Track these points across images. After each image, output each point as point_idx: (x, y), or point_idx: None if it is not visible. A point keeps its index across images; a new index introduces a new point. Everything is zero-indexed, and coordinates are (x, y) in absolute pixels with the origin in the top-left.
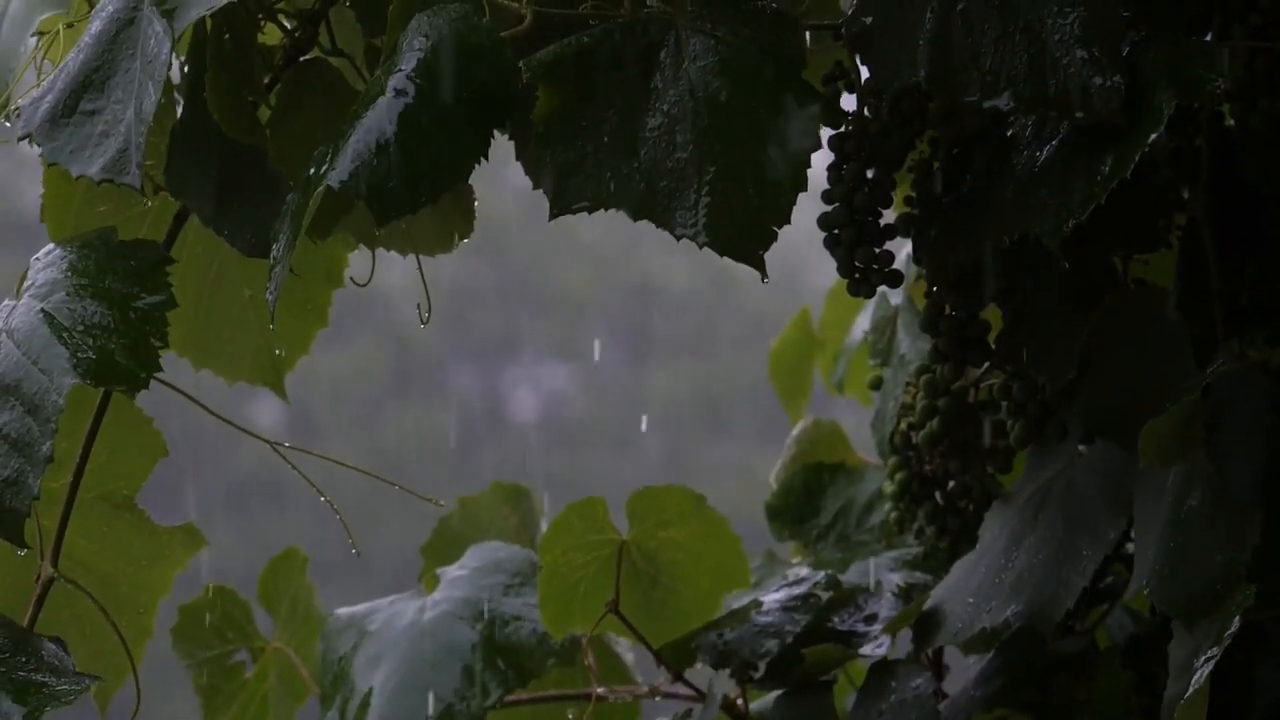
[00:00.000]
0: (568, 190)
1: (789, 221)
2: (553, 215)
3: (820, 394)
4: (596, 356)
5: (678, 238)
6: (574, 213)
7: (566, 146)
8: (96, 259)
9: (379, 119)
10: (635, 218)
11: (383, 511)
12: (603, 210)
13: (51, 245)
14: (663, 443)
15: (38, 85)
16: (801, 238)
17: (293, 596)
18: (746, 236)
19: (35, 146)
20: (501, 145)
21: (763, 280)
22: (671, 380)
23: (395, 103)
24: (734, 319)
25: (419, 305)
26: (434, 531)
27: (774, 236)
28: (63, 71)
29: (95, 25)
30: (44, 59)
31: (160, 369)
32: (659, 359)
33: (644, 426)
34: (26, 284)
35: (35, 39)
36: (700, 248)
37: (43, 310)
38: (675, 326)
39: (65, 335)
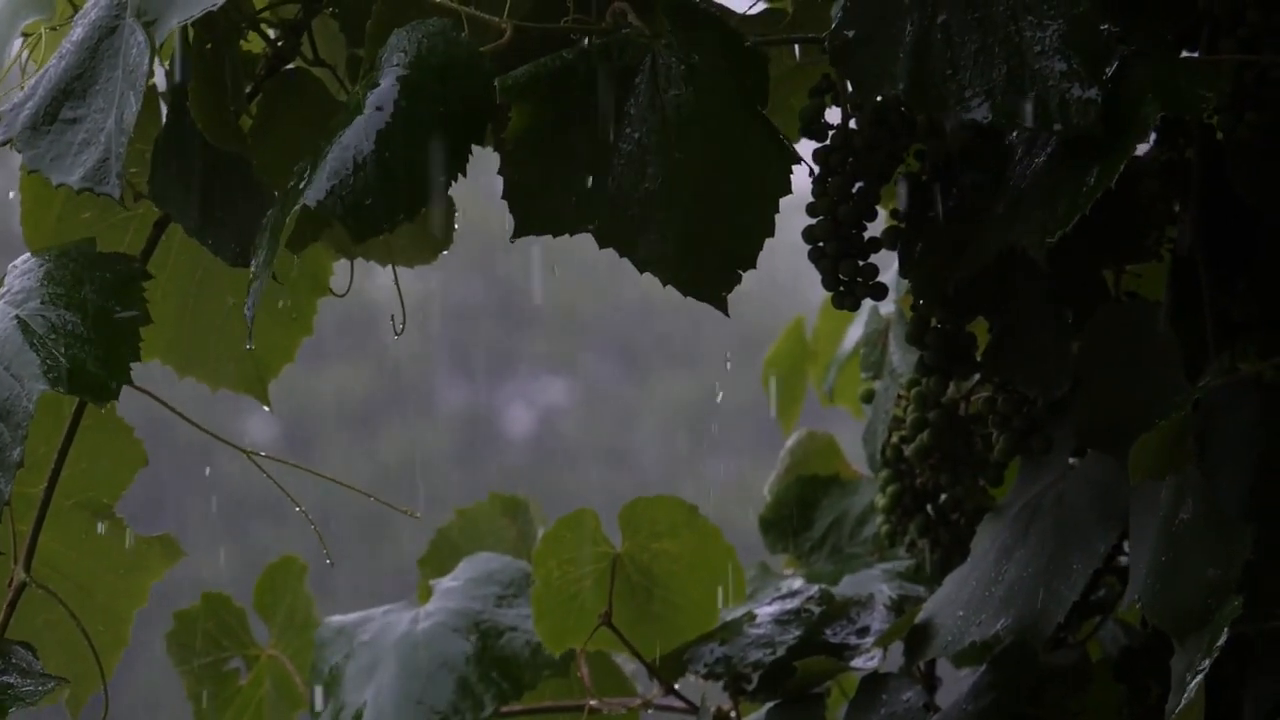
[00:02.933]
0: (532, 212)
1: (754, 266)
2: (515, 236)
3: (814, 406)
4: (590, 371)
5: (641, 270)
6: (538, 234)
7: (534, 168)
8: (74, 269)
9: (356, 135)
10: (601, 245)
11: (383, 524)
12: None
13: (29, 254)
14: (657, 456)
15: (21, 88)
16: (794, 250)
17: (289, 605)
18: (711, 278)
19: (15, 151)
20: (494, 160)
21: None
22: (665, 394)
23: (373, 119)
24: (727, 332)
25: (392, 316)
26: (431, 543)
27: (738, 279)
28: (44, 77)
29: (77, 32)
30: (28, 60)
31: (130, 381)
32: (653, 373)
33: (638, 440)
34: (2, 290)
35: (19, 41)
36: (664, 285)
37: (17, 317)
38: (669, 340)
39: (38, 342)
